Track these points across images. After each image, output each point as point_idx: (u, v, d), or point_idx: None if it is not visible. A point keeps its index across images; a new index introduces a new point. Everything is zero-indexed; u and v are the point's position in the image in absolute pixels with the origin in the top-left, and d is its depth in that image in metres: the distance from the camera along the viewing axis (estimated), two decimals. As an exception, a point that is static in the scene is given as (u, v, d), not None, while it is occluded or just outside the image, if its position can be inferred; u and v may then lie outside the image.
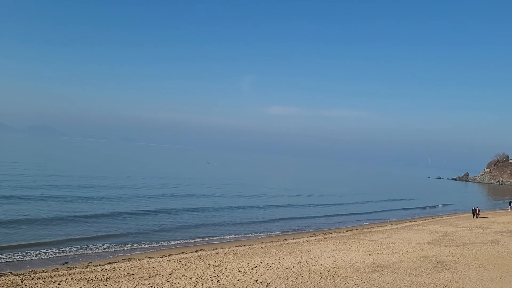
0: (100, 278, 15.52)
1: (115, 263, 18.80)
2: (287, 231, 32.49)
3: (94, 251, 22.07)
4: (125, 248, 23.30)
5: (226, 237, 28.73)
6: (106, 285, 14.42)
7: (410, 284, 15.31)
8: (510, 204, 60.71)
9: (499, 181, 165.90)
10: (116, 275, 15.99)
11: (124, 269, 17.19)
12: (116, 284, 14.62)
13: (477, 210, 44.60)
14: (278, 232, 31.68)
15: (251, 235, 30.05)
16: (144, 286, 14.34)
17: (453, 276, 16.63)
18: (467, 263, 19.32)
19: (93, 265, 18.43)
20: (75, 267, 18.02)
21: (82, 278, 15.48)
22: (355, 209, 50.16)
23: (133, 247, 23.68)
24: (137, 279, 15.33)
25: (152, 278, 15.54)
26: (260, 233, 31.08)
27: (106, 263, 18.89)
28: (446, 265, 18.87)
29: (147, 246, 24.35)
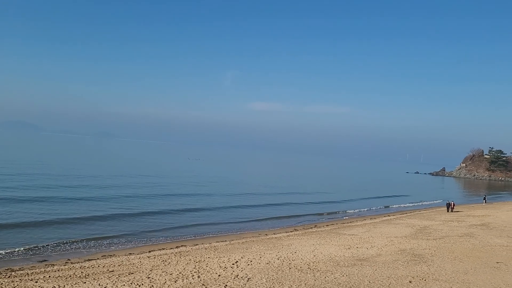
0: (78, 275, 15.33)
1: (94, 260, 18.60)
2: (266, 226, 32.67)
3: (73, 249, 21.74)
4: (105, 245, 23.03)
5: (206, 233, 28.71)
6: (85, 282, 14.26)
7: (388, 277, 15.61)
8: (484, 198, 62.45)
9: (474, 175, 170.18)
10: (95, 272, 15.82)
11: (103, 266, 17.01)
12: (95, 281, 14.46)
13: (452, 204, 45.66)
14: (257, 227, 31.79)
15: (231, 230, 30.11)
16: (124, 283, 14.23)
17: (429, 269, 17.03)
18: (443, 256, 19.80)
19: (71, 263, 18.17)
20: (53, 264, 17.74)
21: (60, 275, 15.26)
22: (335, 204, 50.74)
23: (113, 244, 23.41)
24: (117, 276, 15.19)
25: (132, 275, 15.43)
26: (239, 228, 31.12)
27: (85, 260, 18.66)
28: (423, 258, 19.30)
29: (127, 243, 24.13)
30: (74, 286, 13.86)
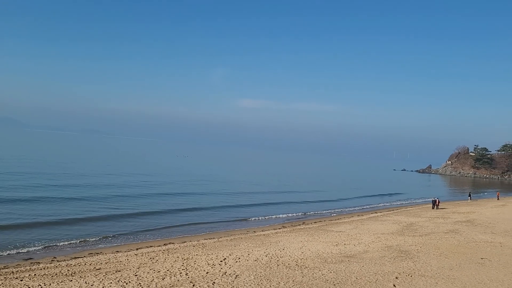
0: (65, 273, 15.17)
1: (81, 258, 18.43)
2: (254, 222, 32.74)
3: (59, 247, 21.51)
4: (91, 243, 22.83)
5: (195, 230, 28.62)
6: (72, 280, 14.12)
7: (375, 273, 15.76)
8: (469, 195, 63.40)
9: (459, 172, 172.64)
10: (82, 270, 15.67)
11: (90, 264, 16.87)
12: (82, 279, 14.33)
13: (437, 201, 46.22)
14: (245, 224, 31.82)
15: (220, 227, 30.08)
16: (111, 281, 14.12)
17: (415, 265, 17.24)
18: (429, 252, 20.05)
19: (57, 261, 17.98)
20: (39, 262, 17.54)
21: (46, 273, 15.09)
22: (322, 201, 51.04)
23: (100, 242, 23.22)
24: (104, 274, 15.08)
25: (119, 272, 15.33)
26: (227, 226, 31.12)
27: (71, 258, 18.47)
28: (409, 254, 19.52)
29: (114, 240, 23.96)
30: (60, 284, 13.71)
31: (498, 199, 65.24)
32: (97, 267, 16.20)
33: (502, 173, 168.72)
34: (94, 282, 13.97)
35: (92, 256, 19.06)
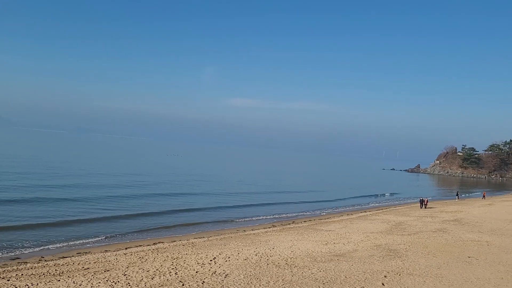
0: (52, 273, 15.02)
1: (69, 258, 18.26)
2: (244, 222, 32.75)
3: (47, 247, 21.29)
4: (80, 243, 22.63)
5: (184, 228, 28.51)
6: (59, 280, 13.98)
7: (364, 272, 15.86)
8: (457, 194, 64.15)
9: (448, 172, 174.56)
10: (70, 270, 15.54)
11: (78, 263, 16.72)
12: (70, 279, 14.20)
13: (425, 201, 46.68)
14: (236, 223, 31.81)
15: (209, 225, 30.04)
16: (100, 280, 14.02)
17: (404, 263, 17.39)
18: (417, 251, 20.24)
19: (45, 260, 17.80)
20: (26, 262, 17.35)
21: (34, 273, 14.93)
22: (312, 200, 51.25)
23: (89, 242, 23.03)
24: (92, 273, 14.96)
25: (108, 272, 15.22)
26: (217, 225, 31.09)
27: (59, 258, 18.31)
28: (397, 253, 19.68)
29: (103, 240, 23.79)
30: (47, 284, 13.57)
31: (484, 198, 66.14)
32: (85, 267, 16.07)
33: (489, 172, 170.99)
34: (82, 281, 13.85)
35: (80, 255, 18.90)
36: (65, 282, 13.81)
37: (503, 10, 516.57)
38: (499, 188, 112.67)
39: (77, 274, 14.81)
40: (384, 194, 66.84)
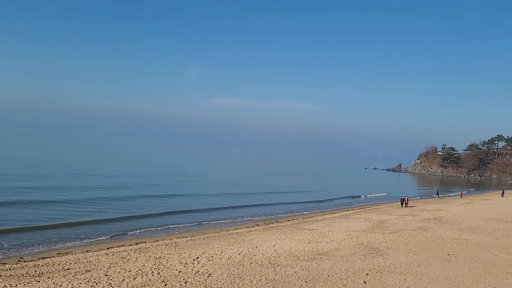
0: (32, 274, 14.75)
1: (49, 258, 17.95)
2: (229, 222, 32.72)
3: (26, 247, 20.87)
4: (60, 243, 22.25)
5: (167, 227, 28.27)
6: (39, 281, 13.73)
7: (346, 270, 16.03)
8: (437, 193, 65.34)
9: (428, 171, 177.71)
10: (50, 271, 15.27)
11: (58, 264, 16.45)
12: (50, 280, 13.96)
13: (406, 199, 47.38)
14: (219, 222, 31.75)
15: (192, 225, 29.88)
16: (80, 281, 13.82)
17: (385, 261, 17.63)
18: (398, 249, 20.55)
19: (24, 261, 17.46)
20: (4, 263, 16.98)
21: (12, 274, 14.63)
22: (295, 199, 51.49)
23: (69, 242, 22.66)
24: (73, 274, 14.74)
25: (89, 272, 15.02)
26: (201, 223, 30.97)
27: (39, 258, 17.97)
28: (379, 251, 19.94)
29: (84, 240, 23.45)
30: (27, 285, 13.32)
31: (461, 197, 67.56)
32: (66, 267, 15.83)
33: (468, 171, 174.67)
34: (62, 282, 13.64)
35: (60, 256, 18.60)
36: (44, 283, 13.58)
37: (480, 9, 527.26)
38: (477, 187, 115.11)
39: (57, 275, 14.57)
40: (366, 193, 67.56)
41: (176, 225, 29.51)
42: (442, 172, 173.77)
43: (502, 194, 70.69)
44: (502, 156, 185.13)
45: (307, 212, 40.85)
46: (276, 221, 33.20)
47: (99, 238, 24.03)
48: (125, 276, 14.58)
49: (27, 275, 14.62)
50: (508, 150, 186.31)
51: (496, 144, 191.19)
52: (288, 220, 33.74)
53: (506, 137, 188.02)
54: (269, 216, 36.82)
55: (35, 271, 15.20)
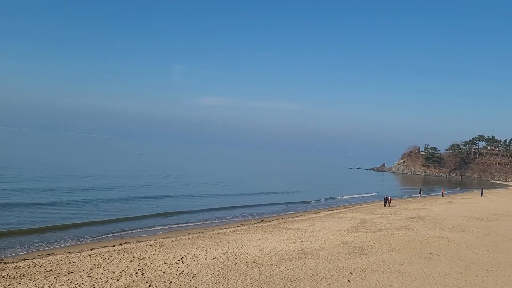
0: (12, 276, 14.47)
1: (30, 260, 17.63)
2: (214, 222, 32.65)
3: (6, 248, 20.47)
4: (42, 244, 21.88)
5: (151, 228, 28.02)
6: (20, 283, 13.49)
7: (330, 269, 16.14)
8: (420, 192, 66.29)
9: (411, 171, 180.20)
10: (31, 272, 15.01)
11: (40, 266, 16.18)
12: (31, 281, 13.73)
13: (389, 199, 47.91)
14: (204, 223, 31.64)
15: (178, 225, 29.72)
16: (63, 283, 13.62)
17: (369, 260, 17.81)
18: (382, 248, 20.78)
19: (4, 263, 17.10)
20: (-16, 265, 16.61)
21: (-8, 277, 14.33)
22: (281, 199, 51.63)
23: (51, 243, 22.29)
24: (55, 276, 14.52)
25: (71, 274, 14.81)
26: (186, 223, 30.82)
27: (20, 260, 17.64)
28: (363, 250, 20.14)
29: (67, 241, 23.11)
30: (8, 287, 13.07)
31: (443, 196, 68.72)
32: (47, 269, 15.58)
33: (450, 171, 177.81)
34: (44, 284, 13.42)
35: (42, 257, 18.28)
36: (26, 285, 13.34)
37: (463, 9, 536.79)
38: (459, 186, 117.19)
39: (38, 277, 14.33)
40: (350, 192, 68.13)
41: (161, 226, 29.30)
42: (425, 172, 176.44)
43: (481, 193, 72.19)
44: (482, 156, 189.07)
45: (292, 212, 41.01)
46: (261, 221, 33.24)
47: (82, 240, 23.72)
48: (108, 277, 14.43)
49: (8, 277, 14.34)
50: (489, 150, 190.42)
51: (477, 144, 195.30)
52: (273, 220, 33.82)
53: (486, 137, 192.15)
54: (254, 216, 36.88)
55: (16, 273, 14.93)
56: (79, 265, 16.28)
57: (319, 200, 53.48)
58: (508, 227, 30.78)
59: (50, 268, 15.82)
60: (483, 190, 77.06)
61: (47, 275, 14.58)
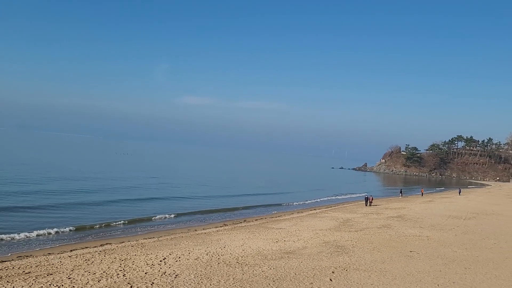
0: (-11, 278, 14.14)
1: (8, 262, 17.24)
2: (196, 222, 32.52)
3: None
4: (20, 245, 21.45)
5: (133, 229, 27.76)
6: (-3, 286, 13.20)
7: (313, 268, 16.26)
8: (401, 192, 67.26)
9: (392, 170, 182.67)
10: (9, 274, 14.70)
11: (18, 268, 15.85)
12: (9, 284, 13.44)
13: (370, 198, 48.49)
14: (188, 223, 31.49)
15: (160, 226, 29.51)
16: (42, 285, 13.38)
17: (350, 259, 18.01)
18: (363, 247, 21.03)
19: (-19, 265, 16.71)
20: (-41, 268, 16.19)
21: (-32, 279, 13.98)
22: (263, 199, 51.68)
23: (30, 244, 21.87)
24: (34, 278, 14.25)
25: (51, 276, 14.56)
26: (169, 224, 30.62)
27: (-3, 262, 17.25)
28: (345, 249, 20.35)
29: (46, 242, 22.70)
30: (-16, 290, 12.79)
31: (422, 195, 69.91)
32: (26, 271, 15.27)
33: (430, 171, 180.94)
34: (23, 287, 13.16)
35: (21, 259, 17.92)
36: (3, 287, 13.06)
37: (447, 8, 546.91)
38: (438, 185, 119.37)
39: (17, 279, 14.04)
40: (333, 192, 68.68)
41: (143, 227, 29.05)
42: (406, 171, 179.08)
43: (459, 193, 73.82)
44: (461, 156, 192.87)
45: (275, 212, 41.11)
46: (244, 221, 33.25)
47: (62, 241, 23.34)
48: (89, 278, 14.23)
49: (-15, 279, 14.01)
50: (467, 150, 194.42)
51: (456, 144, 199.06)
52: (256, 220, 33.86)
53: (465, 138, 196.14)
54: (237, 216, 36.84)
55: (-7, 275, 14.59)
56: (58, 267, 16.02)
57: (301, 199, 53.69)
58: (486, 225, 31.52)
59: (29, 270, 15.52)
60: (461, 189, 78.75)
61: (25, 277, 14.30)
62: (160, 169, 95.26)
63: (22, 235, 23.57)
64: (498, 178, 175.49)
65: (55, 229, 25.47)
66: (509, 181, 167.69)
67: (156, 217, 32.74)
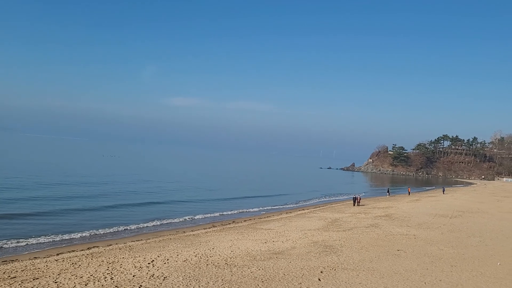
0: (-27, 284, 13.88)
1: (-7, 267, 16.96)
2: (184, 224, 32.36)
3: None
4: (5, 250, 21.10)
5: (121, 232, 27.52)
6: (-19, 292, 12.96)
7: (301, 268, 16.31)
8: (388, 191, 67.84)
9: (379, 170, 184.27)
10: (-6, 280, 14.45)
11: (4, 272, 15.60)
12: (-6, 289, 13.22)
13: (358, 198, 48.78)
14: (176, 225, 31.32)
15: (148, 226, 29.30)
16: (28, 289, 13.18)
17: (339, 259, 18.11)
18: (352, 246, 21.15)
19: (-35, 270, 16.40)
20: None
21: (-49, 285, 13.70)
22: (252, 200, 51.68)
23: (15, 248, 21.52)
24: (19, 282, 14.03)
25: (37, 280, 14.35)
26: (158, 225, 30.42)
27: (-18, 267, 16.94)
28: (333, 248, 20.45)
29: (32, 246, 22.36)
30: (-32, 296, 12.55)
31: (409, 194, 70.67)
32: (11, 275, 15.03)
33: (417, 170, 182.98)
34: (8, 292, 12.95)
35: (6, 263, 17.63)
36: (-12, 293, 12.84)
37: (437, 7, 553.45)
38: (425, 184, 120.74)
39: (2, 284, 13.81)
40: (321, 192, 68.97)
41: (131, 230, 28.82)
42: (393, 171, 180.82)
43: (443, 191, 74.97)
44: (447, 155, 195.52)
45: (264, 212, 41.14)
46: (233, 222, 33.20)
47: (48, 245, 23.02)
48: (76, 282, 14.07)
49: (-32, 285, 13.75)
50: (453, 149, 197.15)
51: (442, 144, 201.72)
52: (245, 221, 33.83)
53: (451, 137, 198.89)
54: (226, 217, 36.77)
55: (-23, 280, 14.33)
56: (45, 271, 15.80)
57: (290, 200, 53.79)
58: (471, 223, 31.96)
59: (15, 274, 15.28)
60: (445, 188, 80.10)
61: (11, 282, 14.08)
62: (146, 171, 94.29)
63: (9, 242, 22.62)
64: (483, 177, 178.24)
65: (42, 237, 24.43)
66: (494, 180, 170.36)
67: (145, 225, 31.23)
